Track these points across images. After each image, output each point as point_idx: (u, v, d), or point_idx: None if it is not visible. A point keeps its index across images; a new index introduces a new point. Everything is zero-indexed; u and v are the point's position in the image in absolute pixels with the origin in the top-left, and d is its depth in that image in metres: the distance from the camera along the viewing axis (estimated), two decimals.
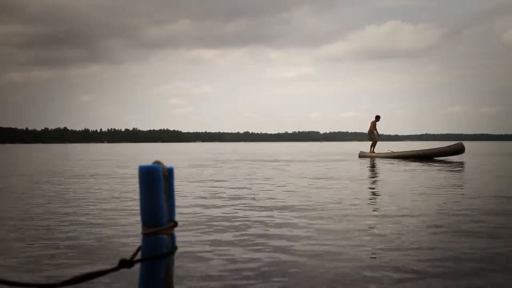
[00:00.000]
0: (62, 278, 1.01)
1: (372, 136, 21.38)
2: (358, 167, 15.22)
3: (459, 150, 19.22)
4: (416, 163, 16.27)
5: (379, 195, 7.72)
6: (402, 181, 9.98)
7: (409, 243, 4.08)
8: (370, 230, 4.68)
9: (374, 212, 5.86)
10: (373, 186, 9.22)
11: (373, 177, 11.16)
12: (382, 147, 24.07)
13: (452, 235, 4.41)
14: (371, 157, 20.93)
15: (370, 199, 7.21)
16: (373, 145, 21.56)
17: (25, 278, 3.12)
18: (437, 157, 19.58)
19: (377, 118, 21.42)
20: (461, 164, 16.18)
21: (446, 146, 19.92)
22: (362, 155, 21.84)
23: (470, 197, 7.13)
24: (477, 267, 3.34)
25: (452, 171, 12.92)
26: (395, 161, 18.33)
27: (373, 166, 15.52)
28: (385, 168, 14.37)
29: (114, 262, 1.15)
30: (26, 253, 3.83)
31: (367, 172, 13.04)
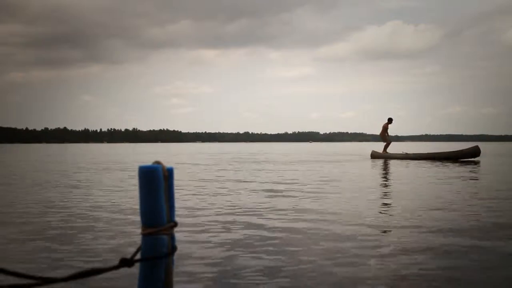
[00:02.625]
0: (64, 274, 1.03)
1: (386, 138, 20.93)
2: (373, 169, 15.18)
3: (475, 153, 19.11)
4: (435, 165, 15.93)
5: (400, 199, 7.71)
6: (428, 185, 9.95)
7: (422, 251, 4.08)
8: (381, 233, 4.68)
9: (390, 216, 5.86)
10: (393, 189, 9.20)
11: (393, 181, 10.73)
12: (390, 147, 23.73)
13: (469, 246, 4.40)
14: (385, 158, 20.46)
15: (384, 203, 7.20)
16: (387, 146, 21.09)
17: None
18: (452, 159, 19.37)
19: (390, 120, 20.98)
20: (477, 164, 16.03)
21: (462, 149, 19.77)
22: (375, 155, 21.23)
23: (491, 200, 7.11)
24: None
25: (472, 172, 12.77)
26: (410, 162, 18.01)
27: (387, 167, 15.05)
28: (404, 170, 14.31)
29: (114, 262, 1.16)
30: (27, 251, 3.84)
31: (384, 175, 12.99)
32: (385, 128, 20.94)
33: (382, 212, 5.93)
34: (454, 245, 4.02)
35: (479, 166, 15.66)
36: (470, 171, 13.22)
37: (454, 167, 14.65)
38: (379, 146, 23.43)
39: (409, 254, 3.73)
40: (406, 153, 20.76)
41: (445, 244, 4.04)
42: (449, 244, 4.04)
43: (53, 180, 10.81)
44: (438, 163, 17.13)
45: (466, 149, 19.67)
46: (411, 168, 14.61)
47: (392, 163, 17.52)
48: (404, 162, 18.14)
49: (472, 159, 19.32)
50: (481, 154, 19.46)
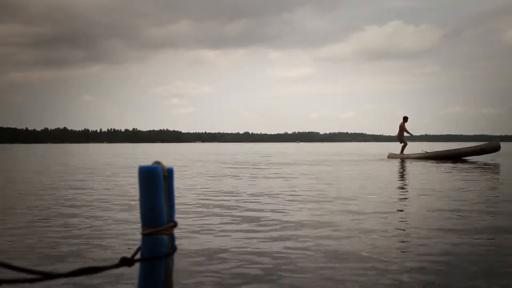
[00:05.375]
0: (64, 271, 1.04)
1: (402, 138, 20.60)
2: (395, 171, 15.12)
3: (496, 147, 18.97)
4: (456, 164, 15.61)
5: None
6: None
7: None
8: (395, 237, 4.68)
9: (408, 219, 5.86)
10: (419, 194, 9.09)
11: (421, 184, 9.44)
12: (389, 148, 23.38)
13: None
14: (402, 158, 20.00)
15: (400, 206, 7.18)
16: (403, 148, 20.70)
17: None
18: (474, 155, 19.19)
19: (405, 119, 20.61)
20: (497, 164, 15.87)
21: (482, 144, 19.57)
22: (392, 157, 20.71)
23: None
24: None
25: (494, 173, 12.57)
26: (430, 161, 17.67)
27: (408, 169, 14.17)
28: (426, 171, 14.15)
29: (114, 261, 1.16)
30: (28, 248, 3.84)
31: (408, 178, 12.87)
32: (401, 128, 20.55)
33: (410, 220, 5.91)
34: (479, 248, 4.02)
35: (500, 166, 15.43)
36: (492, 171, 13.06)
37: (477, 167, 14.42)
38: (386, 147, 23.16)
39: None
40: (426, 152, 20.33)
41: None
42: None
43: (52, 180, 10.81)
44: (458, 162, 16.68)
45: (486, 144, 19.42)
46: (432, 169, 14.15)
47: (412, 163, 16.95)
48: (424, 162, 17.69)
49: (493, 153, 19.19)
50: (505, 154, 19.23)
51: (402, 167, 15.30)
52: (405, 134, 20.67)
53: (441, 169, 13.68)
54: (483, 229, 4.66)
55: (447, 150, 20.31)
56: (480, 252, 3.77)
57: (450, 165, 15.68)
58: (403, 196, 7.58)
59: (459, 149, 20.14)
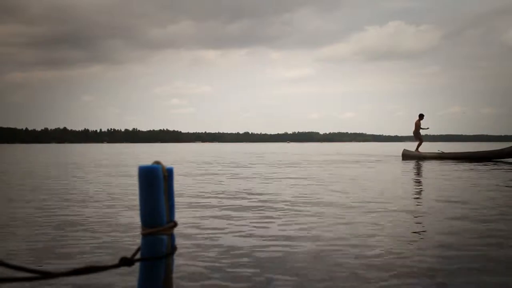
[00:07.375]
0: (63, 271, 1.04)
1: (419, 135, 20.55)
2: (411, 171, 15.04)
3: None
4: (474, 165, 15.24)
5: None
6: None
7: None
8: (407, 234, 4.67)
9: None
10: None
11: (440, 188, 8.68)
12: (391, 148, 23.16)
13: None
14: (418, 158, 19.78)
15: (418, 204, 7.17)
16: (419, 145, 20.65)
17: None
18: (493, 159, 18.91)
19: (421, 116, 20.60)
20: None
21: (502, 149, 19.24)
22: (407, 155, 20.41)
23: None
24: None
25: None
26: (447, 162, 17.37)
27: (425, 171, 13.47)
28: (445, 173, 13.25)
29: (114, 262, 1.16)
30: (27, 248, 3.84)
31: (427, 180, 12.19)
32: (417, 126, 20.50)
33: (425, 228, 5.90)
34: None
35: None
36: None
37: (494, 167, 14.25)
38: (387, 146, 23.08)
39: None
40: (442, 152, 20.15)
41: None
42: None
43: (52, 180, 10.80)
44: (475, 163, 16.49)
45: (506, 148, 19.06)
46: (451, 170, 13.55)
47: (429, 164, 16.57)
48: (440, 162, 17.40)
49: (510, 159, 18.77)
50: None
51: (418, 167, 15.04)
52: (421, 131, 20.65)
53: (463, 171, 13.65)
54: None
55: (464, 152, 20.05)
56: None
57: (470, 166, 15.38)
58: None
59: (477, 152, 19.89)
